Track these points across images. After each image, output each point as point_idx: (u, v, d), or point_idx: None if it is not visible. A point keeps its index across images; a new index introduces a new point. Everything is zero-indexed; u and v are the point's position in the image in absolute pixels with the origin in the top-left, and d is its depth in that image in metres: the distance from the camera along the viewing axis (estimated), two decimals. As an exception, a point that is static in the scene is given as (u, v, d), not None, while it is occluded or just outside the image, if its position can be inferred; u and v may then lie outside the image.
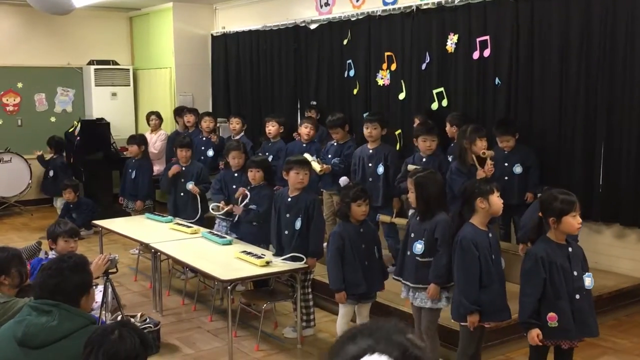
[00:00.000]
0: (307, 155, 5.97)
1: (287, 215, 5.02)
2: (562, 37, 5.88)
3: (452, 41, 6.72)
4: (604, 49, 5.62)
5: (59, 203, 9.06)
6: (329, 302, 5.40)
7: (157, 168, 8.91)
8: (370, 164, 6.02)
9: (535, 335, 3.51)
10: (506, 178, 5.75)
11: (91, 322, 2.80)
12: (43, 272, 2.87)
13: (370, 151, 6.03)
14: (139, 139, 7.87)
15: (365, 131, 6.03)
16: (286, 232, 5.03)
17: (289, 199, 5.03)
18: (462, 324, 3.83)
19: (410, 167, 5.46)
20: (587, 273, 3.61)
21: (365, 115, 6.65)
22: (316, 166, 6.30)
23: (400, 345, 1.20)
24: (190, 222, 6.28)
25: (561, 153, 5.93)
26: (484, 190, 3.78)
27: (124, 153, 9.77)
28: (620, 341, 4.97)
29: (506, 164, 5.81)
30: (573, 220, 3.53)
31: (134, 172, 7.65)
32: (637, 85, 5.46)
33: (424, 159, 5.65)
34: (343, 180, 6.13)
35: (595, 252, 5.71)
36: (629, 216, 5.62)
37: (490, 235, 3.83)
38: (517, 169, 5.81)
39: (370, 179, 5.97)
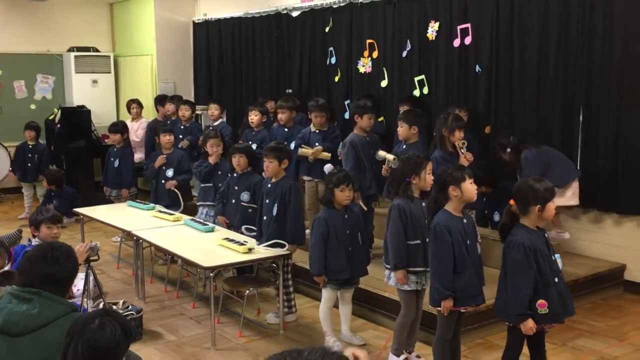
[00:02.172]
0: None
1: (267, 201, 5.09)
2: (542, 25, 5.93)
3: (433, 29, 6.75)
4: (582, 37, 5.68)
5: (40, 191, 9.00)
6: (311, 288, 5.45)
7: (139, 156, 8.89)
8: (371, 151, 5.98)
9: (531, 325, 3.51)
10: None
11: (72, 310, 2.81)
12: (34, 260, 2.84)
13: (367, 138, 6.00)
14: (120, 127, 7.84)
15: (368, 122, 5.92)
16: (265, 218, 5.09)
17: (269, 185, 5.12)
18: (439, 309, 3.90)
19: (381, 153, 5.49)
20: (556, 255, 3.69)
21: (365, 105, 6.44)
22: (307, 152, 6.31)
23: None
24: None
25: (540, 140, 5.99)
26: (456, 178, 3.82)
27: (105, 141, 9.73)
28: (596, 324, 5.07)
29: None
30: (552, 206, 3.61)
31: (117, 160, 7.61)
32: (614, 77, 5.53)
33: (404, 146, 5.68)
34: (328, 167, 6.15)
35: (572, 237, 5.81)
36: (606, 202, 5.72)
37: (465, 221, 3.88)
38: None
39: (374, 166, 5.94)
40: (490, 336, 4.78)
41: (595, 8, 5.59)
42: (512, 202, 3.64)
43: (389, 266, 4.23)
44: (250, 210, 5.62)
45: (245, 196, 5.67)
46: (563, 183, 5.46)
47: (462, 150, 5.16)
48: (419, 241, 4.14)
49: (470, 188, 3.84)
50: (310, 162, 6.44)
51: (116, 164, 7.61)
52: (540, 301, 3.51)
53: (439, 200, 3.90)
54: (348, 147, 5.80)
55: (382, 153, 5.47)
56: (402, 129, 5.66)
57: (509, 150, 5.67)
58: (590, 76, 5.67)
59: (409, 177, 4.15)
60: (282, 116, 7.02)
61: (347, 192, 4.49)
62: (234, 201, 5.74)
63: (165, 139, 6.90)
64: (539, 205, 3.56)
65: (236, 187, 5.73)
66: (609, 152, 5.63)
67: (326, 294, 4.62)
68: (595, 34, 5.61)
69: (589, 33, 5.64)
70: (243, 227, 5.54)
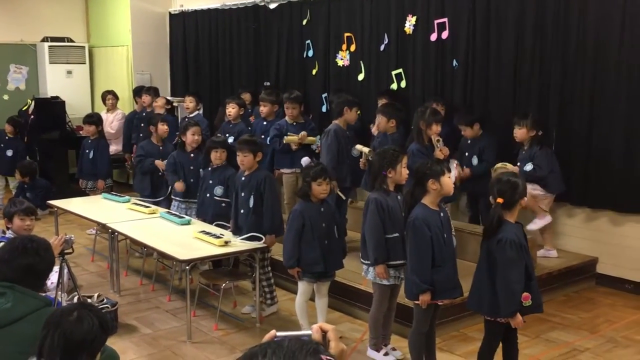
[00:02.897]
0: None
1: (242, 194, 5.07)
2: (517, 20, 5.98)
3: (410, 23, 6.77)
4: (558, 31, 5.74)
5: (13, 183, 8.88)
6: (288, 281, 5.45)
7: (115, 148, 8.82)
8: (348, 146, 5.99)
9: (520, 319, 3.56)
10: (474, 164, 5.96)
11: (46, 304, 2.78)
12: (14, 251, 2.82)
13: (347, 133, 6.01)
14: (95, 118, 7.76)
15: (355, 116, 5.97)
16: (242, 211, 5.07)
17: (243, 178, 5.10)
18: (416, 302, 3.92)
19: (358, 147, 5.52)
20: None
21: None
22: (294, 138, 6.28)
23: None
24: (152, 202, 6.28)
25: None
26: (435, 171, 3.84)
27: (80, 132, 9.62)
28: (569, 316, 5.14)
29: (466, 154, 6.02)
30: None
31: (92, 152, 7.54)
32: (589, 69, 5.60)
33: (379, 139, 5.70)
34: (305, 160, 6.15)
35: (546, 231, 5.88)
36: (579, 196, 5.79)
37: (441, 214, 3.91)
38: (474, 160, 5.97)
39: (348, 160, 5.93)
40: (465, 329, 4.83)
41: (570, 2, 5.65)
42: (500, 200, 3.62)
43: (367, 261, 4.24)
44: (223, 204, 5.60)
45: (219, 190, 5.63)
46: (556, 190, 5.63)
47: (439, 144, 5.19)
48: (397, 234, 4.16)
49: (448, 182, 3.86)
50: (290, 154, 6.40)
51: (90, 155, 7.53)
52: (525, 294, 3.55)
53: (415, 193, 3.92)
54: (332, 137, 5.79)
55: (358, 147, 5.50)
56: (381, 122, 5.69)
57: (526, 126, 5.61)
58: (565, 71, 5.74)
59: (385, 170, 4.16)
60: (263, 109, 6.97)
61: (325, 186, 4.48)
62: (207, 195, 5.70)
63: (164, 127, 6.82)
64: (524, 198, 3.61)
65: (210, 181, 5.70)
66: (582, 147, 5.70)
67: (302, 287, 4.63)
68: (570, 28, 5.67)
69: (564, 28, 5.70)
70: (215, 224, 5.45)
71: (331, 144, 5.76)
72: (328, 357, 1.16)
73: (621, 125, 5.46)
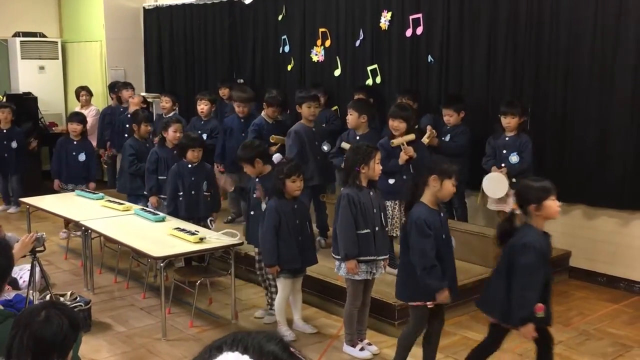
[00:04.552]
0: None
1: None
2: (491, 16, 6.02)
3: (385, 18, 6.78)
4: (531, 28, 5.78)
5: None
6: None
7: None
8: (316, 142, 5.98)
9: (532, 328, 3.46)
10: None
11: (7, 317, 2.67)
12: None
13: (313, 129, 5.97)
14: (82, 117, 7.43)
15: (308, 110, 5.93)
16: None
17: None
18: (415, 304, 3.85)
19: (345, 144, 5.51)
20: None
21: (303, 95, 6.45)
22: (280, 139, 6.24)
23: (270, 354, 1.11)
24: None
25: (490, 130, 6.08)
26: (446, 171, 3.75)
27: (53, 129, 9.50)
28: (542, 310, 5.18)
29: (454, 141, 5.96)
30: (553, 204, 3.55)
31: (82, 154, 7.11)
32: (561, 67, 5.65)
33: (358, 137, 5.70)
34: (277, 157, 6.14)
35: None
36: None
37: (442, 214, 3.86)
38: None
39: (318, 157, 5.94)
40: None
41: (543, -1, 5.70)
42: (514, 206, 3.62)
43: (338, 256, 4.23)
44: (209, 199, 5.68)
45: (205, 185, 5.67)
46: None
47: (403, 145, 5.15)
48: (368, 230, 4.15)
49: (449, 188, 3.76)
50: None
51: (82, 157, 7.10)
52: (539, 305, 3.45)
53: (419, 185, 3.83)
54: (293, 136, 5.83)
55: (344, 144, 5.49)
56: (352, 117, 5.67)
57: (518, 114, 5.51)
58: (538, 66, 5.78)
59: (358, 166, 4.15)
60: (239, 109, 6.81)
61: (299, 183, 4.47)
62: (193, 192, 5.66)
63: (147, 128, 6.64)
64: (535, 205, 3.49)
65: (193, 178, 5.66)
66: (555, 141, 5.75)
67: (281, 284, 4.61)
68: (543, 24, 5.71)
69: (537, 24, 5.74)
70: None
71: (291, 145, 5.81)
72: (298, 351, 1.15)
73: (595, 119, 5.51)
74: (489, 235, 5.53)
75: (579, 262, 5.84)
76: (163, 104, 7.71)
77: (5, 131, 8.19)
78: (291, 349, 1.15)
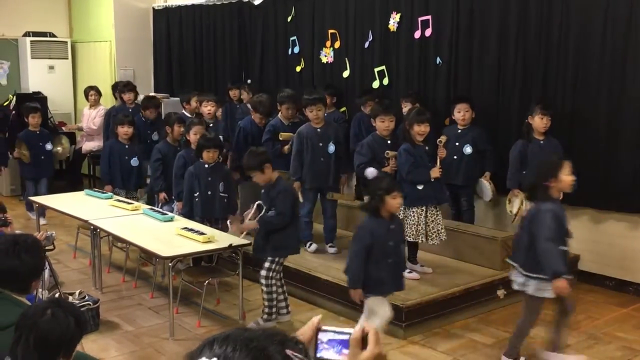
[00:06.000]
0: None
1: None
2: (501, 18, 6.00)
3: (394, 20, 6.78)
4: (541, 29, 5.76)
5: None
6: (299, 289, 5.41)
7: (97, 144, 8.76)
8: (320, 144, 5.94)
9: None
10: (455, 157, 5.88)
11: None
12: None
13: (319, 130, 5.97)
14: (132, 118, 7.03)
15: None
16: None
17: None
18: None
19: (391, 153, 5.37)
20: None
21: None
22: (289, 135, 6.23)
23: (256, 353, 1.10)
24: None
25: (499, 132, 6.08)
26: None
27: (62, 128, 9.55)
28: (550, 312, 5.13)
29: (457, 144, 5.92)
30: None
31: (135, 158, 6.77)
32: (571, 67, 5.62)
33: (389, 142, 5.51)
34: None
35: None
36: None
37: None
38: (467, 149, 5.93)
39: (322, 159, 5.91)
40: (447, 325, 4.84)
41: (553, 1, 5.67)
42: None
43: (534, 274, 4.01)
44: (226, 200, 5.69)
45: (222, 186, 5.67)
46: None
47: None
48: (567, 248, 4.09)
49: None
50: (286, 155, 6.18)
51: (134, 162, 6.75)
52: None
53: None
54: (295, 137, 5.91)
55: (390, 153, 5.42)
56: (384, 123, 5.51)
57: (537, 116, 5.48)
58: (547, 68, 5.76)
59: (547, 180, 4.06)
60: (257, 119, 6.61)
61: (399, 199, 4.19)
62: (209, 193, 5.65)
63: (179, 129, 6.41)
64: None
65: (210, 179, 5.65)
66: (563, 144, 5.72)
67: (373, 305, 4.25)
68: (552, 26, 5.69)
69: (547, 26, 5.72)
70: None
71: (294, 145, 5.94)
72: (294, 353, 1.14)
73: (604, 122, 5.49)
74: (497, 238, 5.53)
75: (588, 265, 5.82)
76: (208, 108, 7.08)
77: (38, 133, 7.95)
78: (287, 350, 1.14)
